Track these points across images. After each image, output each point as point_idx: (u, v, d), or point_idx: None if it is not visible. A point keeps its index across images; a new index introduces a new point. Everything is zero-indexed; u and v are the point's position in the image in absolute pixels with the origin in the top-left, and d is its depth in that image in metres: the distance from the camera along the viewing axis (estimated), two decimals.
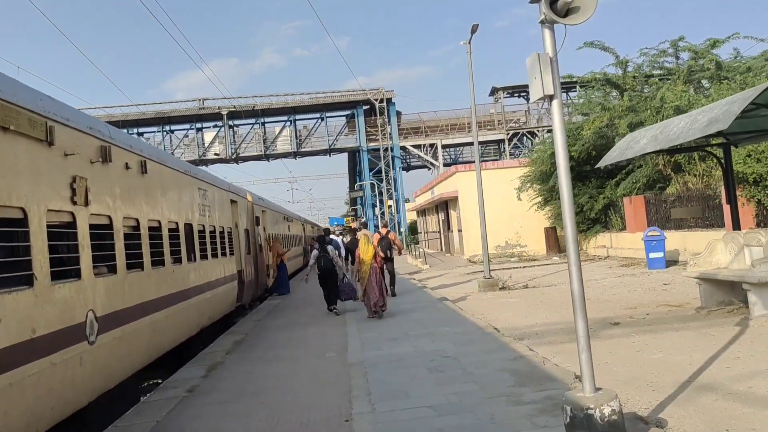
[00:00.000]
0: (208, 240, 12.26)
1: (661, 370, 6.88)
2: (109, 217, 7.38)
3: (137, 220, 8.36)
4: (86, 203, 6.68)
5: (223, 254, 13.64)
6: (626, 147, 10.88)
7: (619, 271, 17.81)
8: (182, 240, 10.40)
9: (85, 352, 6.34)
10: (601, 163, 11.51)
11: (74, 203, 6.43)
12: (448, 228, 30.52)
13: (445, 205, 30.41)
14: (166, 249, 9.47)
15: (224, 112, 41.69)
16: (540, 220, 26.33)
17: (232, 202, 15.49)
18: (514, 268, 21.94)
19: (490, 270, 16.13)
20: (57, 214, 6.13)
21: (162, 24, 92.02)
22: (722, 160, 11.41)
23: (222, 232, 13.76)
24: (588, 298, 13.78)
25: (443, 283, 19.40)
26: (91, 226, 6.79)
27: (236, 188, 16.54)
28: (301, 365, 8.84)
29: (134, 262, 8.09)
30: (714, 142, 12.03)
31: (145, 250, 8.52)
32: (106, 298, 7.02)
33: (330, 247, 14.51)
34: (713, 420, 5.18)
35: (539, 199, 25.57)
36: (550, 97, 4.75)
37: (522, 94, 57.77)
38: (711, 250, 10.26)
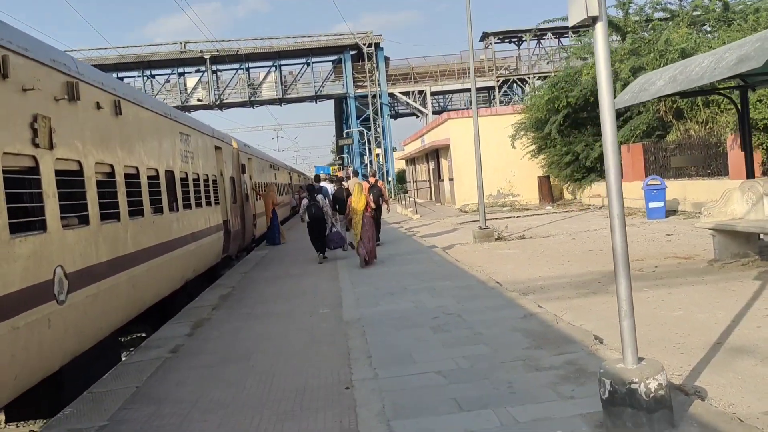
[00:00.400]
0: (191, 188, 11.50)
1: (686, 330, 6.35)
2: (79, 163, 6.62)
3: (112, 167, 7.60)
4: (50, 146, 5.91)
5: (208, 203, 12.91)
6: (640, 89, 10.16)
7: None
8: (163, 188, 9.65)
9: (53, 313, 5.67)
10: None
11: (36, 146, 5.66)
12: (439, 177, 29.85)
13: (435, 154, 29.66)
14: (145, 198, 8.74)
15: (207, 56, 40.19)
16: (533, 169, 25.70)
17: (217, 148, 14.66)
18: (507, 217, 21.41)
19: (485, 220, 15.54)
20: (15, 158, 5.37)
21: None
22: (738, 105, 10.75)
23: (206, 180, 12.99)
24: (590, 250, 13.34)
25: (434, 231, 18.84)
26: (58, 173, 6.03)
27: (221, 134, 15.68)
28: (293, 323, 8.26)
29: (109, 212, 7.37)
30: (729, 85, 11.32)
31: (122, 199, 7.79)
32: (77, 253, 6.32)
33: (320, 196, 14.08)
34: (758, 389, 4.65)
35: (533, 147, 24.86)
36: (594, 19, 4.02)
37: (513, 39, 56.43)
38: (727, 199, 9.69)
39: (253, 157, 20.85)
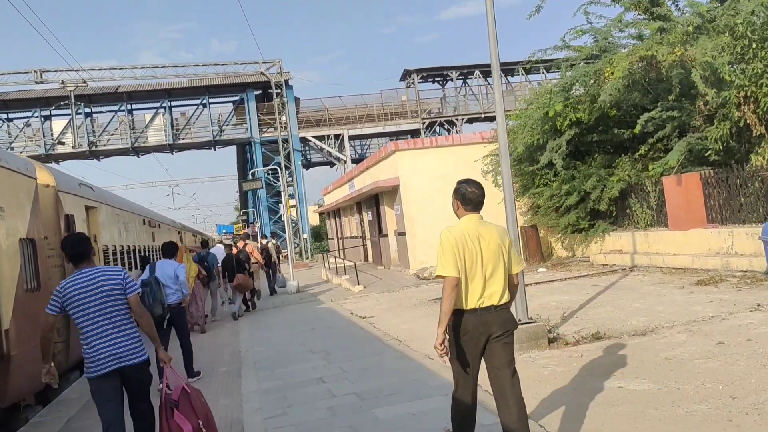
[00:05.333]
0: None
1: None
2: None
3: None
4: None
5: None
6: None
7: (710, 291, 10.56)
8: None
9: None
10: None
11: None
12: (379, 231, 22.53)
13: (374, 201, 22.42)
14: None
15: (70, 87, 31.58)
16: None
17: None
18: None
19: (527, 303, 8.27)
20: None
21: None
22: None
23: None
24: None
25: (404, 318, 11.41)
26: None
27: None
28: None
29: None
30: None
31: None
32: None
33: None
34: None
35: (516, 186, 18.14)
36: None
37: (437, 78, 51.07)
38: None
39: (101, 205, 12.78)
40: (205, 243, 16.38)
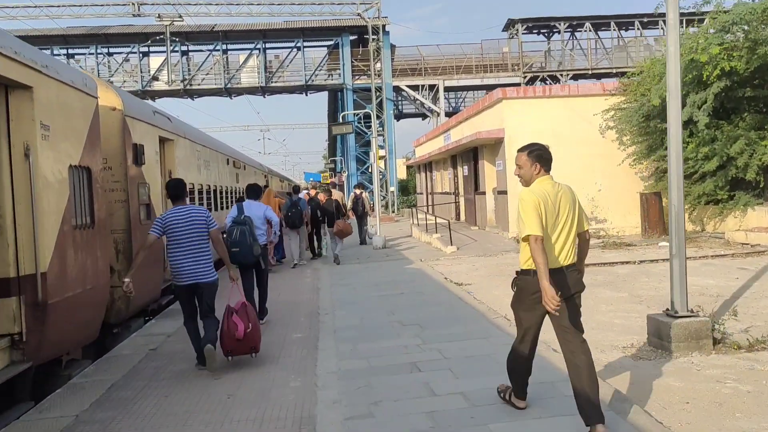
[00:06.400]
0: None
1: None
2: None
3: None
4: None
5: None
6: None
7: None
8: None
9: None
10: None
11: None
12: (476, 188, 20.67)
13: (472, 154, 20.51)
14: None
15: (167, 22, 30.93)
16: (629, 181, 16.65)
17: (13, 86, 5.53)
18: (607, 263, 12.27)
19: (687, 292, 6.35)
20: None
21: None
22: None
23: None
24: None
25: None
26: None
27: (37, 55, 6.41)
28: None
29: None
30: None
31: None
32: None
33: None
34: None
35: (642, 146, 15.75)
36: None
37: (543, 30, 47.63)
38: None
39: (179, 138, 11.62)
40: (297, 188, 16.05)
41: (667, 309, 6.37)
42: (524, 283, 4.24)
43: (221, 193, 16.00)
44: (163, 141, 10.70)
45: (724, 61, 12.43)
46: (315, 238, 16.15)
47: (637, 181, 16.70)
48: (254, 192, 9.10)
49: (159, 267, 9.66)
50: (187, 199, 6.73)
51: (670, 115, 6.29)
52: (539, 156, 4.28)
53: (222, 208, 15.87)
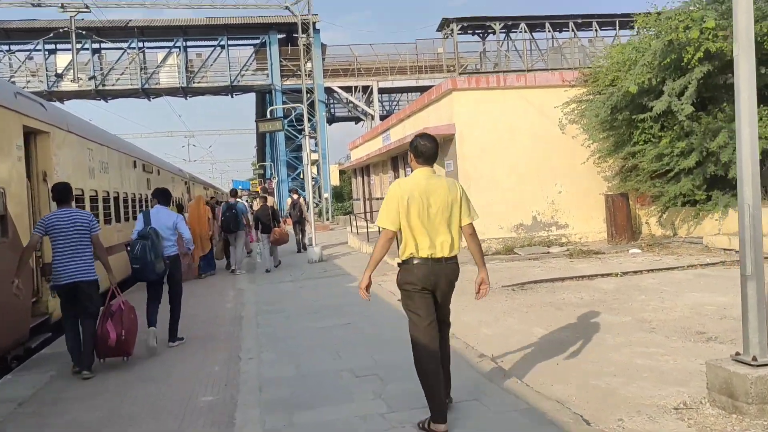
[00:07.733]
0: None
1: None
2: None
3: None
4: None
5: None
6: None
7: None
8: None
9: None
10: None
11: None
12: None
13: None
14: None
15: (72, 13, 27.71)
16: (593, 180, 15.05)
17: None
18: (583, 277, 10.48)
19: (765, 333, 4.48)
20: None
21: None
22: None
23: None
24: None
25: (504, 332, 7.73)
26: None
27: None
28: None
29: None
30: None
31: None
32: None
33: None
34: None
35: (606, 142, 14.14)
36: None
37: (478, 30, 46.47)
38: None
39: (56, 131, 9.04)
40: (234, 192, 16.08)
41: (738, 353, 4.49)
42: (402, 274, 4.31)
43: (125, 201, 13.40)
44: (33, 133, 8.18)
45: (710, 41, 10.89)
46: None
47: (600, 182, 15.13)
48: (164, 196, 7.99)
49: (27, 295, 7.16)
50: (73, 203, 6.83)
51: (739, 76, 4.43)
52: (415, 148, 4.36)
53: (127, 220, 13.28)
